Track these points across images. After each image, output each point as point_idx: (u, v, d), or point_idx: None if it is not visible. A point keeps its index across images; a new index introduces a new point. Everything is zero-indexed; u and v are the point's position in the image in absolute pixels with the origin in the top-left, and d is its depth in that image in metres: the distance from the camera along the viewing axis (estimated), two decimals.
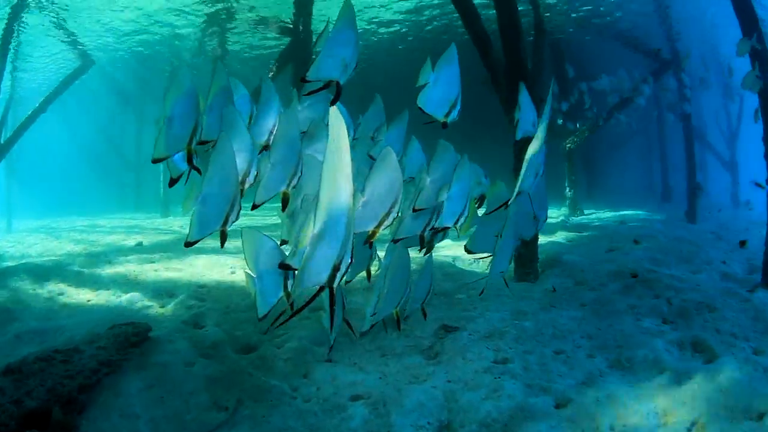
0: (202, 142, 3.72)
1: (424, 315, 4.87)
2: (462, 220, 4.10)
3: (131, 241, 12.43)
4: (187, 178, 3.80)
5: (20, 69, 22.36)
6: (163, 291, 6.84)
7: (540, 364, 4.34)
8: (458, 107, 3.97)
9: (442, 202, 4.09)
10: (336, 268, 2.45)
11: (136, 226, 17.21)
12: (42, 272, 7.66)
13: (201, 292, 6.62)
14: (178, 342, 4.82)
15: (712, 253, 9.21)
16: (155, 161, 3.59)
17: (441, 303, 5.92)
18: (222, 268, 7.87)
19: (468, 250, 4.57)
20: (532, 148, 3.88)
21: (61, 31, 18.20)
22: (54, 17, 16.90)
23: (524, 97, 4.53)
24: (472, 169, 4.51)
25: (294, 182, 3.79)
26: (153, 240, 12.51)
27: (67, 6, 16.20)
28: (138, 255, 9.67)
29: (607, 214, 17.51)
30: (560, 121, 15.92)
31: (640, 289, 6.27)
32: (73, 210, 28.43)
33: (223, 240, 3.50)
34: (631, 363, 4.48)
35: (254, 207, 3.81)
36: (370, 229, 3.31)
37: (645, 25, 18.37)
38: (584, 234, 10.97)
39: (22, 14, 15.80)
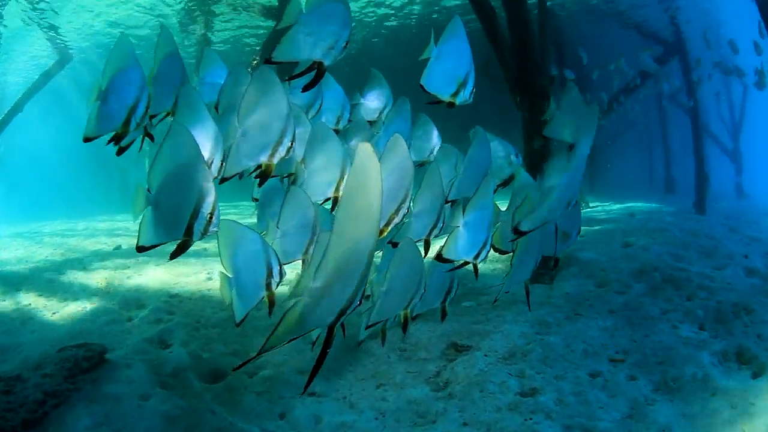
0: (152, 116, 3.32)
1: (443, 315, 3.99)
2: (436, 232, 3.55)
3: (110, 245, 11.77)
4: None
5: None
6: (132, 302, 6.24)
7: (576, 394, 3.58)
8: (471, 86, 3.55)
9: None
10: (343, 312, 2.12)
11: (118, 228, 16.48)
12: (16, 281, 7.41)
13: (172, 303, 5.90)
14: (136, 367, 4.10)
15: (731, 247, 8.62)
16: (86, 140, 3.13)
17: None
18: (199, 273, 7.15)
19: (496, 249, 3.89)
20: (569, 172, 3.49)
21: (40, 27, 17.38)
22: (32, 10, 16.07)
23: (573, 97, 4.13)
24: (502, 146, 4.06)
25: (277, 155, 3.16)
26: (132, 243, 11.68)
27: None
28: (114, 260, 9.13)
29: (613, 207, 16.81)
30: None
31: (669, 291, 5.57)
32: (61, 213, 27.71)
33: (178, 251, 2.80)
34: (679, 384, 3.79)
35: (222, 181, 3.16)
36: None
37: (645, 5, 17.64)
38: (595, 228, 10.17)
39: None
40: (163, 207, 2.71)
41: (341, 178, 3.41)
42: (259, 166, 3.10)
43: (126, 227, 16.99)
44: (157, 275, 7.36)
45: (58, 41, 18.92)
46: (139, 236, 2.77)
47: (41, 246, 12.89)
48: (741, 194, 23.36)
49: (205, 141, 3.06)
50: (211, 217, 2.70)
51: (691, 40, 16.17)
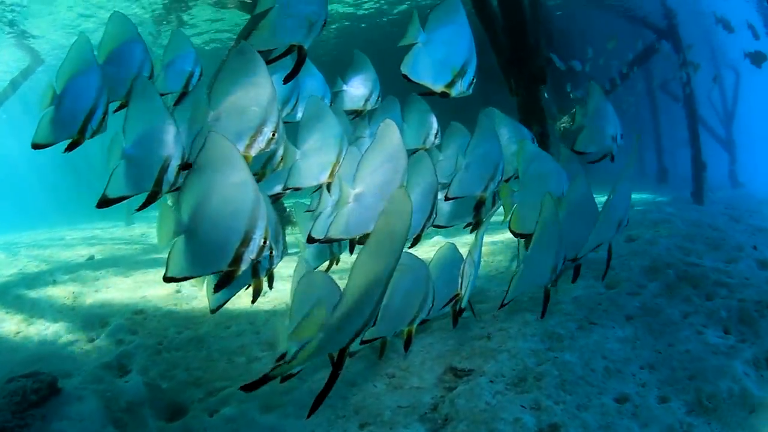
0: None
1: (455, 320, 3.46)
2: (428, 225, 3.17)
3: (84, 255, 11.31)
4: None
5: None
6: (95, 319, 5.75)
7: (604, 428, 3.01)
8: (470, 76, 3.18)
9: None
10: (357, 334, 2.06)
11: (95, 237, 15.89)
12: None
13: (135, 320, 5.34)
14: (88, 401, 3.64)
15: (738, 238, 8.22)
16: (35, 147, 2.86)
17: (440, 326, 4.55)
18: (169, 284, 6.50)
19: (514, 232, 3.49)
20: (619, 191, 3.31)
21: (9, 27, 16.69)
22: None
23: (600, 101, 3.85)
24: (515, 131, 3.75)
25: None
26: (106, 253, 11.33)
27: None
28: (85, 272, 8.65)
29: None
30: (569, 88, 14.51)
31: (687, 289, 5.06)
32: (43, 222, 27.11)
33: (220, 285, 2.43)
34: (715, 403, 3.31)
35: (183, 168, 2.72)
36: (369, 230, 2.64)
37: None
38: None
39: None
40: (202, 235, 2.28)
41: (337, 161, 3.11)
42: None
43: (101, 235, 16.48)
44: (125, 287, 6.89)
45: (28, 44, 18.26)
46: (168, 265, 2.35)
47: (16, 258, 12.48)
48: (735, 183, 23.11)
49: (160, 140, 2.67)
50: (265, 242, 2.31)
51: (683, 25, 15.67)
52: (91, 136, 2.88)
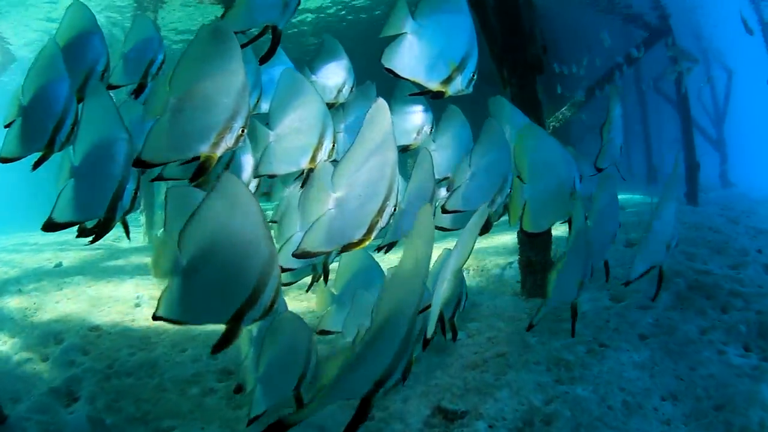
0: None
1: (454, 334, 3.02)
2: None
3: (53, 261, 10.83)
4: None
5: None
6: (51, 335, 5.24)
7: None
8: (470, 72, 2.76)
9: None
10: (380, 383, 1.81)
11: (66, 242, 15.31)
12: None
13: (89, 338, 4.84)
14: None
15: (741, 241, 7.86)
16: (3, 161, 2.63)
17: (424, 353, 3.89)
18: (129, 296, 6.13)
19: (527, 233, 3.06)
20: (665, 211, 3.12)
21: None
22: None
23: (618, 113, 3.66)
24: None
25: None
26: (75, 259, 10.79)
27: None
28: (51, 280, 8.13)
29: None
30: (559, 90, 14.09)
31: (700, 300, 4.62)
32: (16, 224, 26.50)
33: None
34: None
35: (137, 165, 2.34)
36: (355, 239, 2.28)
37: None
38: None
39: None
40: (204, 281, 1.98)
41: (319, 144, 2.71)
42: (197, 158, 2.30)
43: (71, 241, 15.92)
44: (86, 298, 6.38)
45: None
46: (159, 305, 2.04)
47: None
48: (726, 183, 22.85)
49: (113, 158, 2.39)
50: (272, 306, 2.06)
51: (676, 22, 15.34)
52: (60, 149, 2.59)
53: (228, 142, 2.30)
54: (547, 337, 4.04)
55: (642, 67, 20.86)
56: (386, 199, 2.22)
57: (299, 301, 5.76)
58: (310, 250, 2.25)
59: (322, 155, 2.74)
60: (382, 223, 2.24)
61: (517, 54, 4.90)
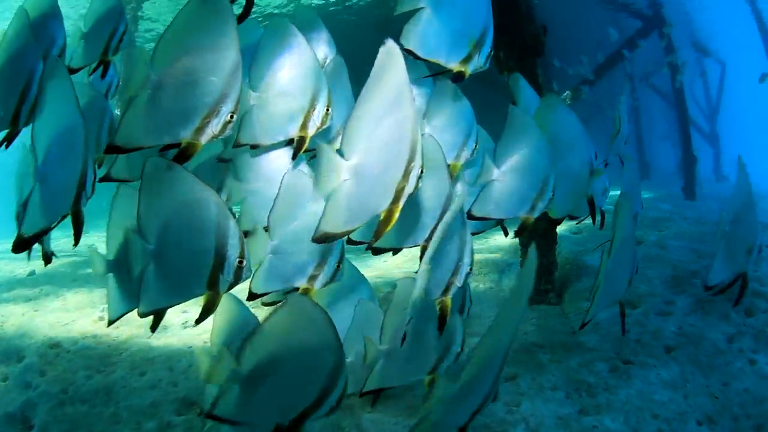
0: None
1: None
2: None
3: (27, 269, 10.39)
4: None
5: None
6: (13, 352, 4.75)
7: None
8: (488, 47, 2.57)
9: None
10: (477, 411, 1.80)
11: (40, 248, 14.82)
12: None
13: (48, 356, 4.41)
14: None
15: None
16: None
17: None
18: (94, 308, 5.69)
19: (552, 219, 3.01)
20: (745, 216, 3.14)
21: None
22: None
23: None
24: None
25: None
26: (49, 266, 10.24)
27: None
28: (22, 290, 7.68)
29: None
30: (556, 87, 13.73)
31: (722, 305, 4.20)
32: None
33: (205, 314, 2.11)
34: None
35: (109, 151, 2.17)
36: (381, 211, 1.98)
37: None
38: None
39: None
40: (169, 260, 2.04)
41: (311, 107, 2.37)
42: (177, 145, 2.08)
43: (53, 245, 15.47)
44: (51, 309, 5.98)
45: None
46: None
47: None
48: (720, 177, 22.66)
49: (75, 150, 2.13)
50: (241, 262, 2.02)
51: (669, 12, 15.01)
52: (26, 124, 2.38)
53: (214, 128, 2.05)
54: (560, 353, 3.56)
55: (633, 61, 20.61)
56: (410, 160, 1.89)
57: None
58: (332, 231, 1.98)
59: (315, 121, 2.39)
60: (409, 189, 1.93)
61: (514, 34, 4.43)
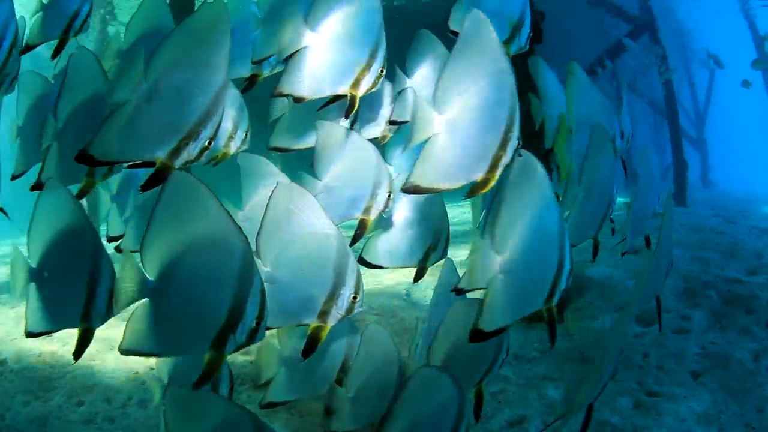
0: None
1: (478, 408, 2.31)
2: None
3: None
4: None
5: None
6: None
7: None
8: (527, 28, 2.51)
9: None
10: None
11: (7, 254, 14.23)
12: None
13: None
14: None
15: (750, 242, 7.38)
16: None
17: None
18: None
19: None
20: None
21: None
22: None
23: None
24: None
25: None
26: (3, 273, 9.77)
27: None
28: None
29: None
30: None
31: (740, 316, 3.96)
32: None
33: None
34: None
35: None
36: (477, 177, 1.87)
37: None
38: None
39: None
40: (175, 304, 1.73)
41: (368, 63, 2.21)
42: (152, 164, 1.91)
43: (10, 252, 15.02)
44: (10, 319, 5.39)
45: None
46: (124, 336, 1.78)
47: None
48: (707, 183, 22.62)
49: None
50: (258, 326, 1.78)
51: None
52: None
53: (190, 152, 1.89)
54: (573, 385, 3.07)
55: (617, 66, 20.52)
56: (508, 129, 1.80)
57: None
58: (422, 184, 1.89)
59: (368, 81, 2.22)
60: (506, 159, 1.83)
61: None
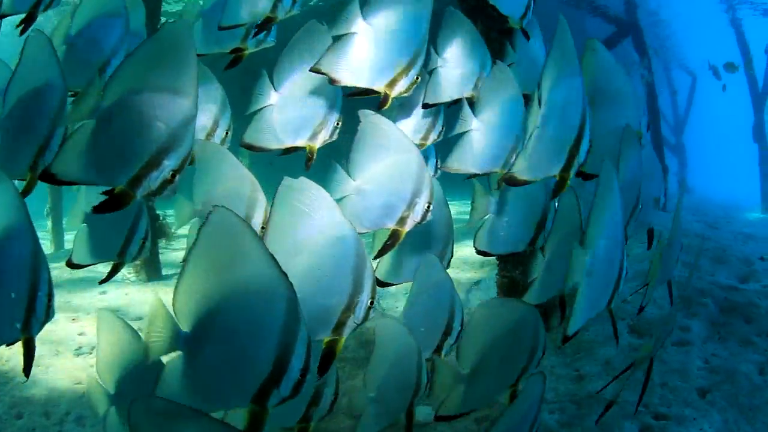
0: None
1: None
2: None
3: None
4: None
5: None
6: None
7: None
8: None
9: None
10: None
11: None
12: None
13: None
14: None
15: (737, 248, 7.28)
16: None
17: None
18: None
19: None
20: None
21: None
22: None
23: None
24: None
25: None
26: None
27: None
28: None
29: None
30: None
31: (739, 326, 3.84)
32: None
33: None
34: None
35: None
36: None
37: None
38: None
39: None
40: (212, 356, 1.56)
41: (408, 66, 2.27)
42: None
43: None
44: None
45: None
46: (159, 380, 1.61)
47: None
48: (685, 189, 22.68)
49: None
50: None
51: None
52: None
53: (152, 182, 1.77)
54: (571, 411, 2.85)
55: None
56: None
57: None
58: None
59: (405, 82, 2.23)
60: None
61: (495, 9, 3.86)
